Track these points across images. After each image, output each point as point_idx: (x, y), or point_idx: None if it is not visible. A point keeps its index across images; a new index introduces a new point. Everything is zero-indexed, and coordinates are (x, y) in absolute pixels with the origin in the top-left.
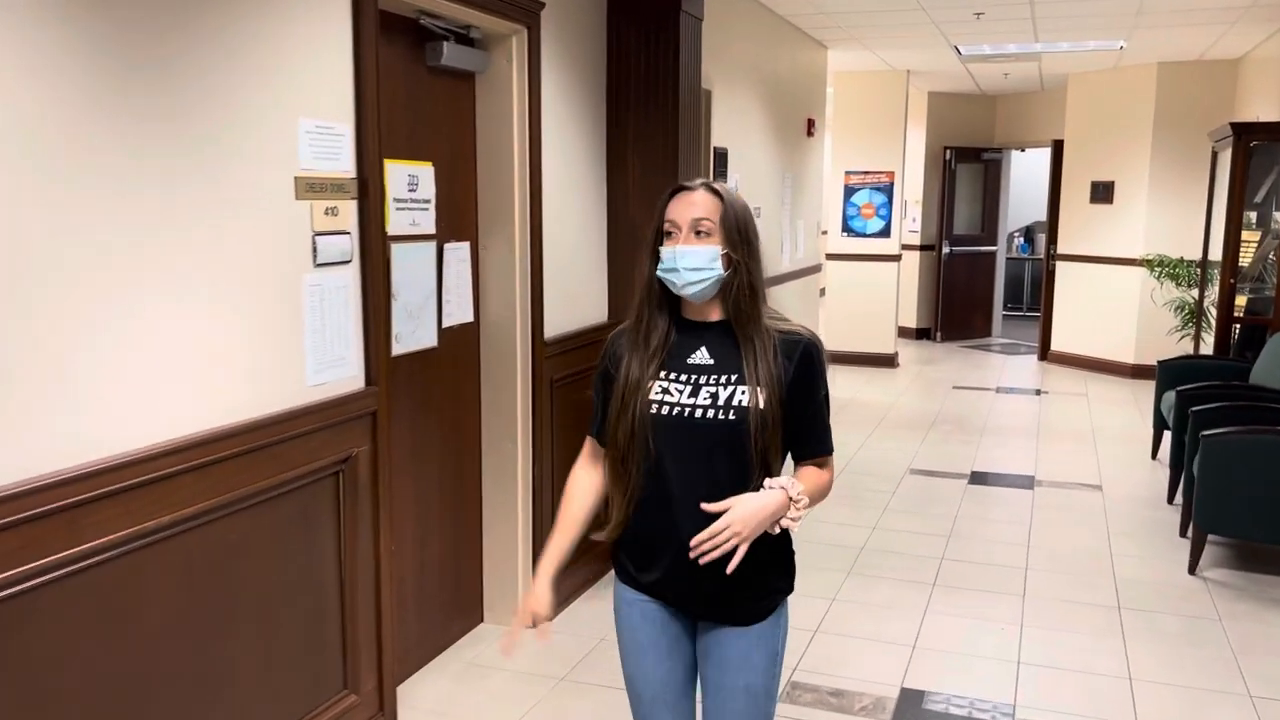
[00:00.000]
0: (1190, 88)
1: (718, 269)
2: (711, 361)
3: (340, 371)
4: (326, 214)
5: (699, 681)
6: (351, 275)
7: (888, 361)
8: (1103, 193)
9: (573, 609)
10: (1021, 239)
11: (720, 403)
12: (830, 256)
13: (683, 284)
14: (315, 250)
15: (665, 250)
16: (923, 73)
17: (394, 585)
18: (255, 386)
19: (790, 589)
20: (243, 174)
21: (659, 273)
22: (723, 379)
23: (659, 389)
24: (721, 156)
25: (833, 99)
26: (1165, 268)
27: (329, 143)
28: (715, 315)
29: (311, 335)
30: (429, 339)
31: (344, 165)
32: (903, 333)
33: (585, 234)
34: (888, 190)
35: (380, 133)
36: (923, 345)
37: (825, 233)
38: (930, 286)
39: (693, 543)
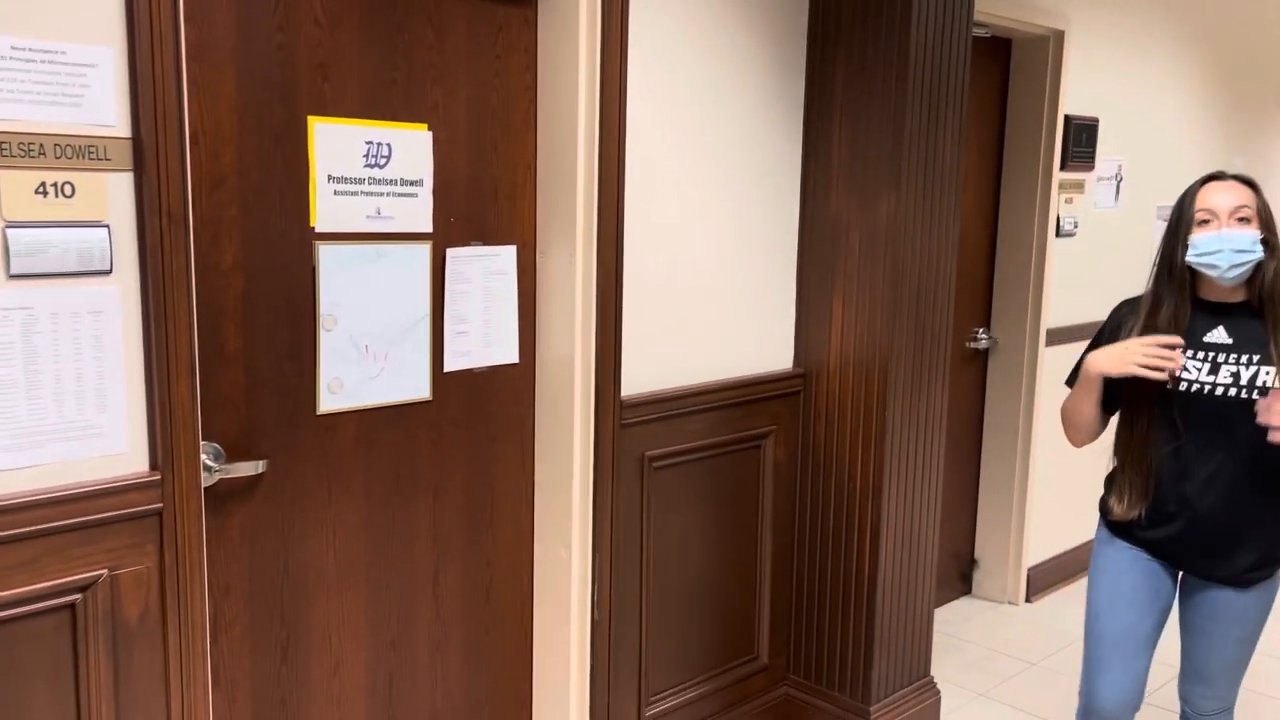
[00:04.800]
0: None
1: (1259, 252)
2: (1230, 341)
3: (79, 449)
4: (42, 193)
5: (1182, 623)
6: (114, 294)
7: None
8: None
9: None
10: None
11: (1243, 381)
12: None
13: (1227, 266)
14: (7, 252)
15: (1203, 236)
16: None
17: None
18: None
19: None
20: None
21: (1193, 259)
22: (1244, 358)
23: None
24: (1086, 131)
25: None
26: None
27: (51, 78)
28: (1238, 297)
29: None
30: (413, 389)
31: (95, 114)
32: None
33: (744, 239)
34: None
35: (180, 63)
36: None
37: None
38: None
39: (1262, 404)
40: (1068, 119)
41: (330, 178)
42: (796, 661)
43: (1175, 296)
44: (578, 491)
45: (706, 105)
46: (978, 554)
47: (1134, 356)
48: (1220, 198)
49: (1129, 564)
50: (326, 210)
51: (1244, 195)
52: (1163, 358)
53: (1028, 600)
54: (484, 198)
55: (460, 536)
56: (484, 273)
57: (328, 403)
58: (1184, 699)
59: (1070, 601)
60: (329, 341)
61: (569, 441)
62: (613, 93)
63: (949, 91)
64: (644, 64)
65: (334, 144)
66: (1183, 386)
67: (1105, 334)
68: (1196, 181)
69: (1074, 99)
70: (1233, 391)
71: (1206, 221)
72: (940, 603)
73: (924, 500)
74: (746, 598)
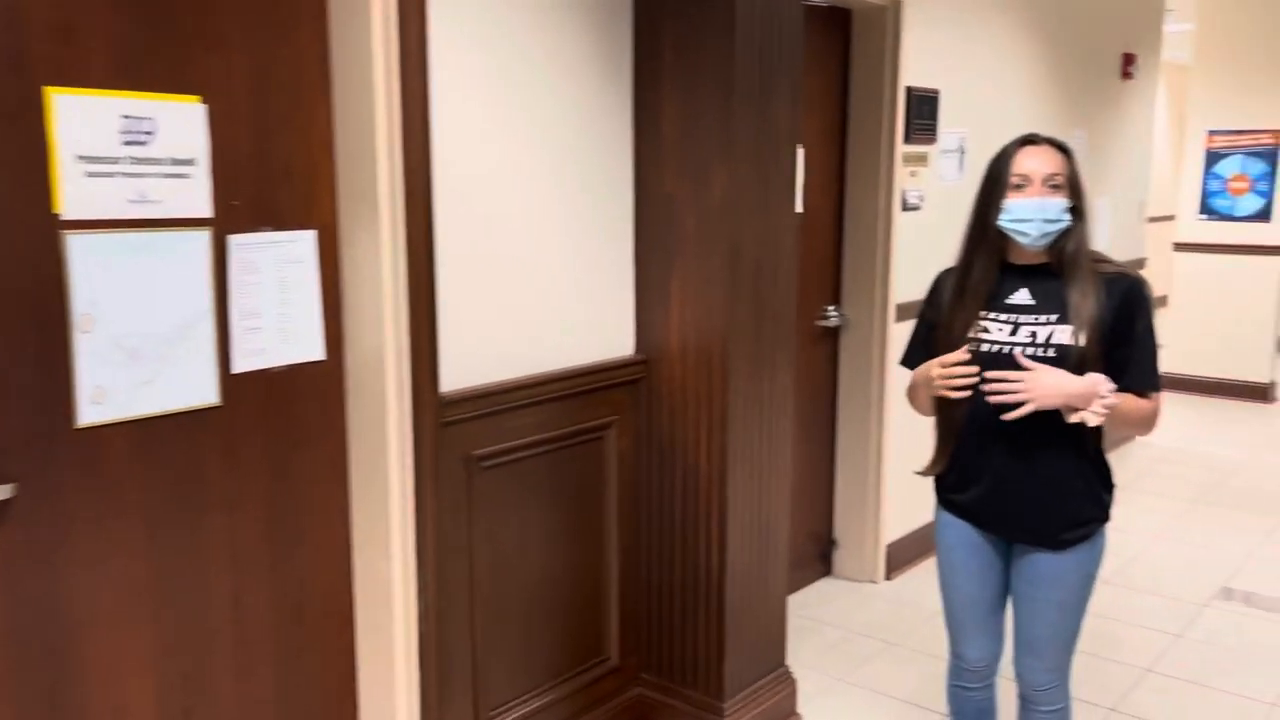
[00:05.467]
0: None
1: (1066, 219)
2: (1033, 302)
3: None
4: None
5: (1011, 593)
6: None
7: (1259, 394)
8: None
9: None
10: None
11: (1040, 340)
12: (1180, 247)
13: (1038, 234)
14: None
15: (1017, 202)
16: None
17: None
18: None
19: (1106, 518)
20: None
21: (1005, 223)
22: (1042, 319)
23: (979, 328)
24: (926, 102)
25: (1190, 32)
26: None
27: None
28: (1041, 259)
29: None
30: (196, 394)
31: None
32: None
33: (573, 221)
34: (1270, 156)
35: None
36: None
37: (1174, 218)
38: None
39: (988, 374)
40: (909, 91)
41: (79, 158)
42: (649, 660)
43: (985, 259)
44: (396, 498)
45: (522, 75)
46: (837, 534)
47: (936, 384)
48: (1035, 163)
49: (955, 540)
50: (76, 195)
51: (1057, 163)
52: (955, 376)
53: (887, 578)
54: (274, 178)
55: (264, 554)
56: (277, 261)
57: (90, 414)
58: (1017, 675)
59: (929, 576)
60: (87, 345)
61: (383, 444)
62: (413, 63)
63: (781, 59)
64: (448, 34)
65: (82, 119)
66: (984, 348)
67: (929, 300)
68: (1012, 143)
69: (914, 71)
70: (1030, 351)
71: (1021, 186)
72: (800, 585)
73: (772, 484)
74: (594, 598)
